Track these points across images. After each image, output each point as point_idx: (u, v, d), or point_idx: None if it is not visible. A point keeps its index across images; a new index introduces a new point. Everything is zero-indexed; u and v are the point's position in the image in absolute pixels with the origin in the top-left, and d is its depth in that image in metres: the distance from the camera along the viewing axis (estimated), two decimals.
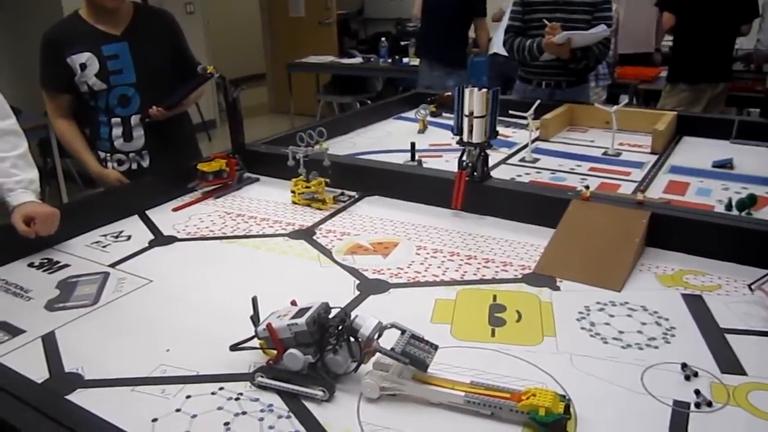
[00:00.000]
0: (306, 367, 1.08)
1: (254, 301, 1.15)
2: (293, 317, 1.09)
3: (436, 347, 1.07)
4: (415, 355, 1.03)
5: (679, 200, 1.88)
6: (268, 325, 1.09)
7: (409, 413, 1.01)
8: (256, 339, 1.14)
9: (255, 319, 1.14)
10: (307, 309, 1.10)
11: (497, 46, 4.54)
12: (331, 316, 1.11)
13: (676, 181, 2.09)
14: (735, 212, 1.75)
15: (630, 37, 5.13)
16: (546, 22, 2.84)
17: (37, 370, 1.14)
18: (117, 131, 2.26)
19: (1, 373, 1.08)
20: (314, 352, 1.08)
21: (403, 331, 1.07)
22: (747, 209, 1.75)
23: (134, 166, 2.31)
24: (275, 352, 1.11)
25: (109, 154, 2.31)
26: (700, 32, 3.94)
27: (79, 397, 1.07)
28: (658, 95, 4.32)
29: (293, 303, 1.16)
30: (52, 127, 2.27)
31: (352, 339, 1.08)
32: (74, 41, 2.16)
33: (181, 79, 2.25)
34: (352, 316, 1.10)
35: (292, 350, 1.07)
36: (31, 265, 1.60)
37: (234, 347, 1.16)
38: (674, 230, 1.56)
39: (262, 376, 1.09)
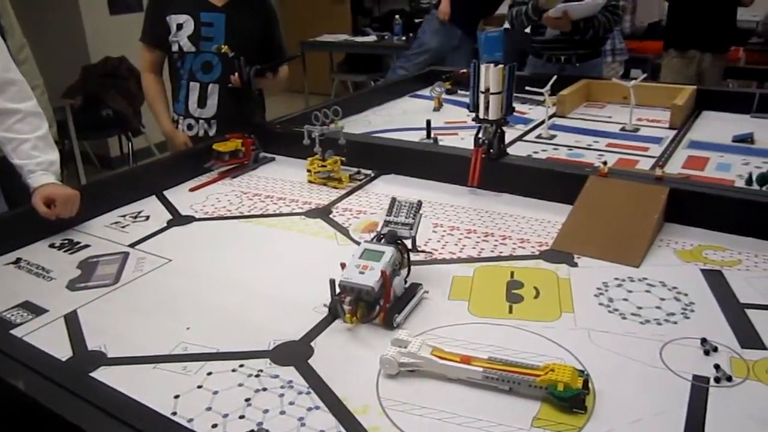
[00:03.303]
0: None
1: (332, 283, 1.19)
2: (377, 256, 1.19)
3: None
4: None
5: (698, 175, 1.86)
6: (383, 273, 1.15)
7: (428, 389, 1.02)
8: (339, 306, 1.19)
9: (333, 292, 1.20)
10: (373, 244, 1.23)
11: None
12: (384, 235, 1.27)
13: (695, 156, 2.07)
14: (755, 187, 1.73)
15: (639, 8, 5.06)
16: None
17: (60, 349, 1.16)
18: (193, 96, 2.42)
19: (26, 351, 1.10)
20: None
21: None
22: None
23: (201, 132, 2.47)
24: (352, 316, 1.16)
25: (181, 117, 2.48)
26: None
27: (102, 375, 1.08)
28: None
29: (342, 266, 1.20)
30: (141, 79, 2.59)
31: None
32: (178, 2, 2.35)
33: (264, 61, 2.33)
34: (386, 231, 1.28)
35: (396, 278, 1.20)
36: (52, 245, 1.62)
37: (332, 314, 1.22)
38: (693, 205, 1.54)
39: (397, 316, 1.17)
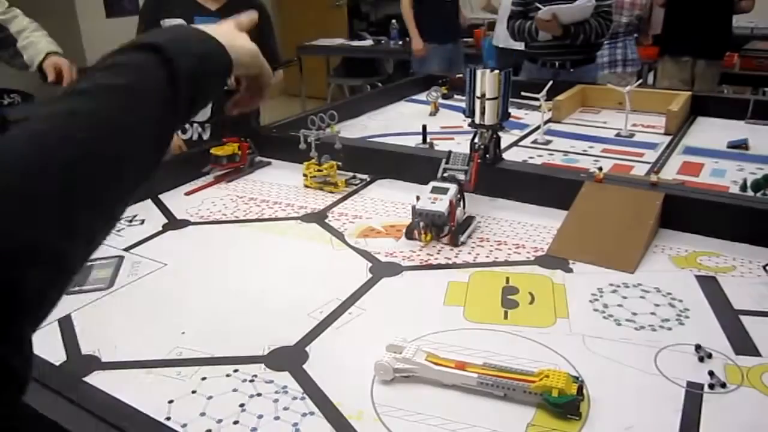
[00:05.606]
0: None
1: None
2: (444, 191, 1.51)
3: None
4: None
5: (693, 181, 1.87)
6: (450, 202, 1.48)
7: (422, 395, 1.02)
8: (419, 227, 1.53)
9: (414, 216, 1.53)
10: (439, 182, 1.55)
11: (502, 40, 4.48)
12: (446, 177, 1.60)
13: (690, 162, 2.07)
14: (750, 193, 1.74)
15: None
16: (538, 5, 2.86)
17: (54, 353, 1.16)
18: None
19: None
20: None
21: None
22: (762, 190, 1.74)
23: (195, 136, 2.47)
24: (426, 235, 1.52)
25: None
26: (686, 5, 3.91)
27: (96, 379, 1.08)
28: None
29: (418, 198, 1.52)
30: None
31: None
32: (172, 6, 2.38)
33: None
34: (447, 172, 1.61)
35: (458, 209, 1.54)
36: None
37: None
38: (688, 211, 1.54)
39: (461, 236, 1.52)
